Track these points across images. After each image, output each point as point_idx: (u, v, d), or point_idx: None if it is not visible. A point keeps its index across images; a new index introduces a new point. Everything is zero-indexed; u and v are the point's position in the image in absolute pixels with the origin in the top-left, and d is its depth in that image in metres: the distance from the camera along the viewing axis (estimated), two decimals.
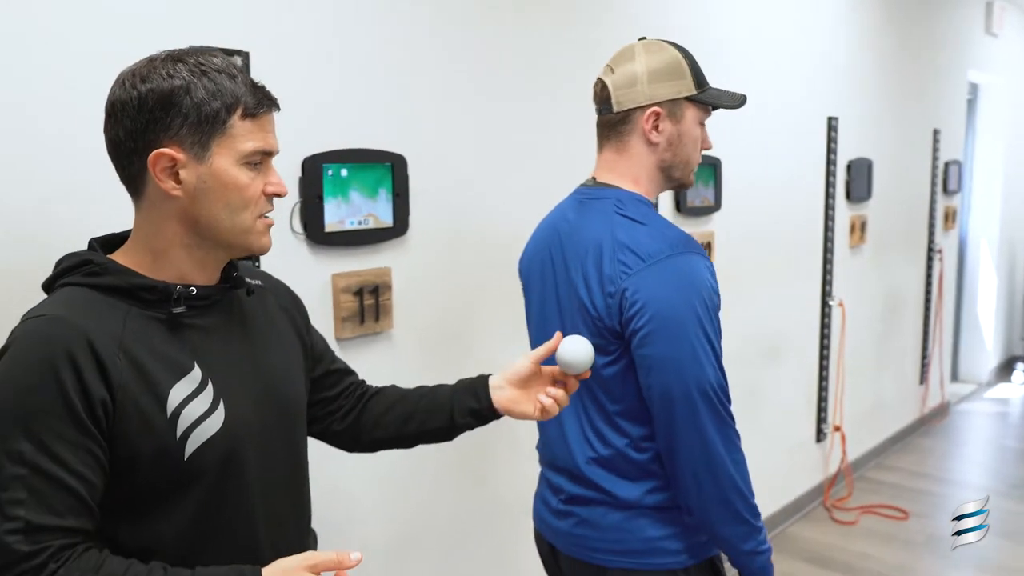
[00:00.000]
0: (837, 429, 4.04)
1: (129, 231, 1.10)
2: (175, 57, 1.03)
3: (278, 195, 1.09)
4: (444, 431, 1.33)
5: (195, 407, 1.03)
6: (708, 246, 3.07)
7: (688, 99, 1.46)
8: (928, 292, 5.08)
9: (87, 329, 0.97)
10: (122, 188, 1.07)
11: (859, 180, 4.08)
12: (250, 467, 1.08)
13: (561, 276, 1.49)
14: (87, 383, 0.96)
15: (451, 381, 1.36)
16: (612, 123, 1.48)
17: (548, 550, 1.60)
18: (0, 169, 1.39)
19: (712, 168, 3.07)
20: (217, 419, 1.04)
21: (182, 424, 1.01)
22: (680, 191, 1.64)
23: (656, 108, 1.44)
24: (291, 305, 1.26)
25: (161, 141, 1.01)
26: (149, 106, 1.00)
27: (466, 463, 2.26)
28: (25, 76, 1.41)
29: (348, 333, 1.93)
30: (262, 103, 1.05)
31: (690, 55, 1.49)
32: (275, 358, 1.17)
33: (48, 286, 1.07)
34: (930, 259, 5.05)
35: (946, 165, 5.12)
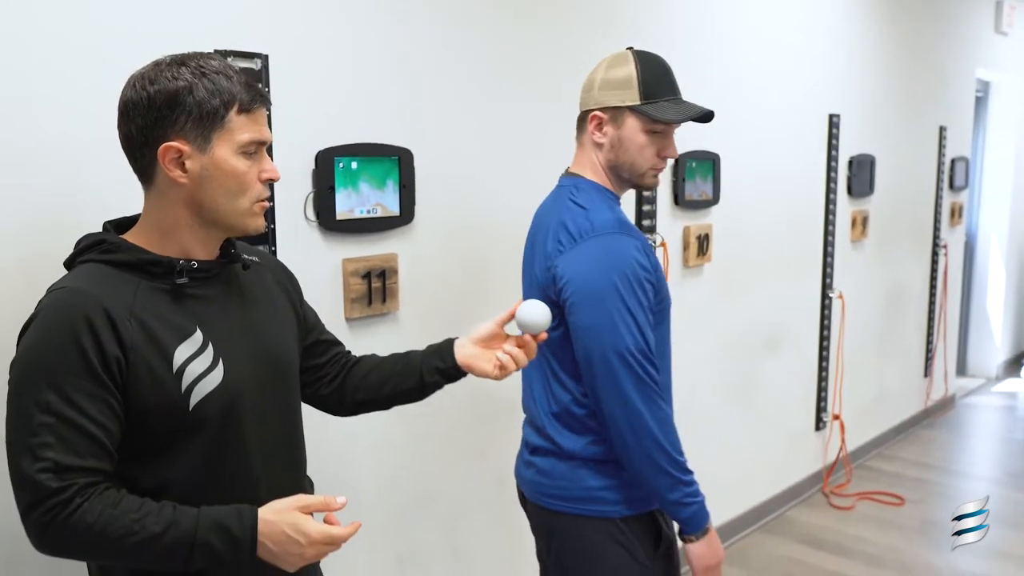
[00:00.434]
0: (836, 418, 4.15)
1: (138, 215, 1.25)
2: (179, 61, 1.17)
3: (272, 180, 1.24)
4: (416, 391, 1.49)
5: (197, 365, 1.18)
6: (705, 238, 3.20)
7: (631, 108, 1.61)
8: (933, 286, 5.17)
9: (103, 298, 1.12)
10: (130, 177, 1.22)
11: (861, 176, 4.19)
12: (247, 418, 1.23)
13: (530, 254, 1.71)
14: (104, 344, 1.10)
15: None
16: (577, 121, 1.70)
17: (521, 498, 1.80)
18: (23, 164, 1.53)
19: (711, 163, 3.19)
20: (217, 375, 1.19)
21: (186, 380, 1.16)
22: (647, 190, 1.77)
23: (599, 113, 1.63)
24: (286, 280, 1.43)
25: (169, 136, 1.15)
26: (157, 105, 1.14)
27: (467, 436, 2.41)
28: (48, 79, 1.58)
29: (357, 314, 2.09)
30: (255, 99, 1.20)
31: (655, 69, 1.63)
32: (269, 325, 1.32)
33: (69, 263, 1.23)
34: (935, 254, 5.13)
35: (952, 162, 5.19)
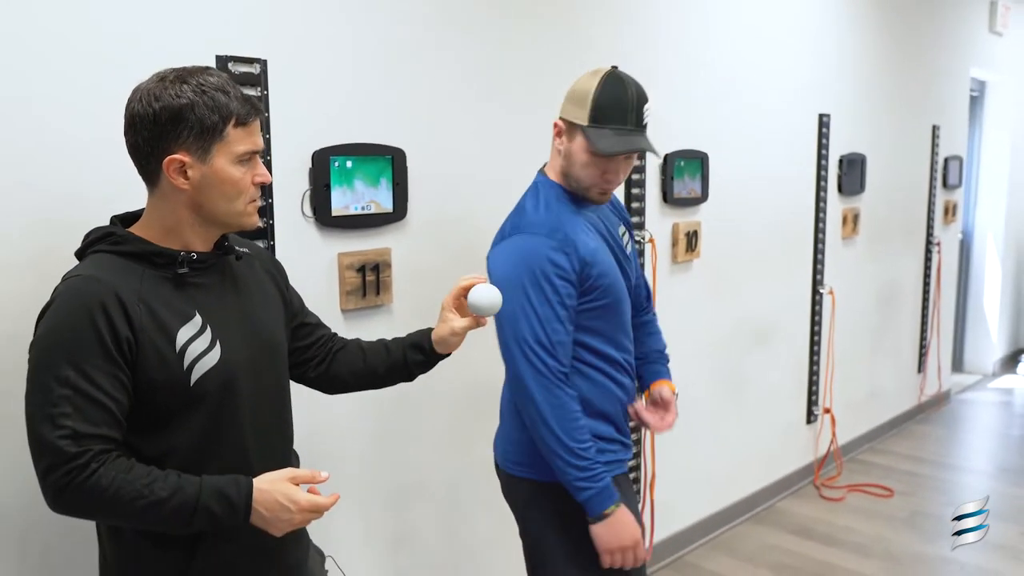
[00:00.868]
0: (827, 412, 4.24)
1: (141, 209, 1.38)
2: (181, 78, 1.28)
3: (264, 183, 1.38)
4: (401, 371, 1.65)
5: (197, 345, 1.31)
6: (694, 235, 3.29)
7: (581, 127, 1.70)
8: (927, 284, 5.24)
9: (114, 285, 1.25)
10: (127, 176, 1.36)
11: (852, 174, 4.27)
12: (242, 393, 1.36)
13: None
14: (116, 326, 1.23)
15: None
16: None
17: (496, 469, 1.94)
18: (33, 165, 1.64)
19: (699, 161, 3.28)
20: (215, 355, 1.32)
21: (187, 358, 1.29)
22: (595, 203, 1.81)
23: (559, 122, 1.74)
24: (273, 268, 1.56)
25: (172, 148, 1.28)
26: (163, 121, 1.26)
27: (460, 423, 2.52)
28: (69, 85, 1.69)
29: (352, 305, 2.20)
30: (250, 113, 1.33)
31: (613, 95, 1.67)
32: (260, 309, 1.45)
33: (80, 253, 1.35)
34: (928, 252, 5.21)
35: (946, 160, 5.27)
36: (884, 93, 4.56)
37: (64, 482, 1.19)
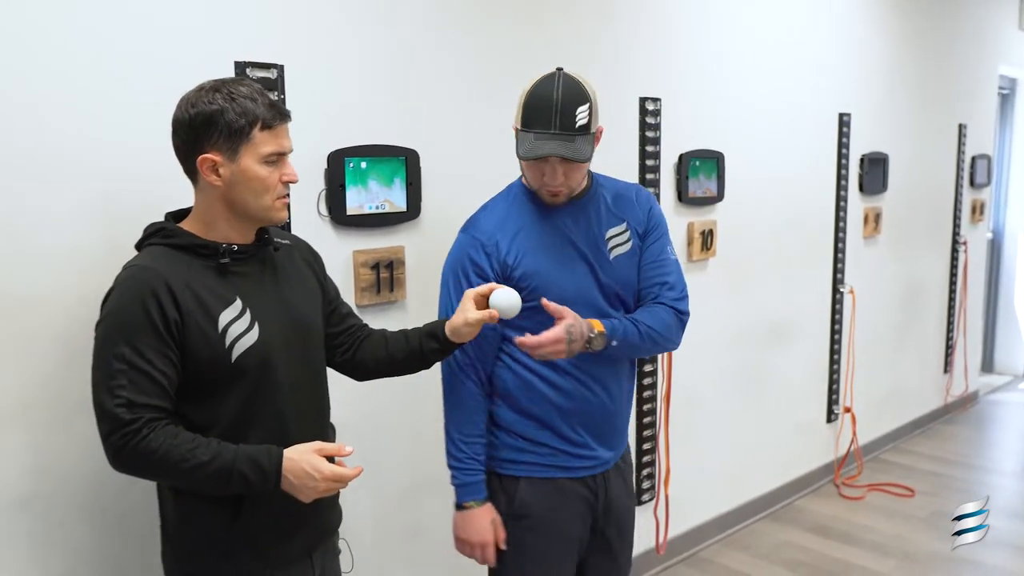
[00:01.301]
0: (848, 411, 4.23)
1: (191, 207, 1.54)
2: (215, 87, 1.45)
3: (291, 182, 1.54)
4: (418, 361, 1.77)
5: (238, 326, 1.46)
6: (710, 234, 3.32)
7: (516, 130, 1.73)
8: (953, 283, 5.20)
9: (165, 274, 1.42)
10: (172, 175, 1.48)
11: (873, 174, 4.27)
12: (279, 371, 1.51)
13: None
14: (165, 309, 1.40)
15: None
16: None
17: None
18: (80, 164, 1.76)
19: (715, 161, 3.31)
20: (253, 335, 1.48)
21: (229, 338, 1.45)
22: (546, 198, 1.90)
23: (514, 123, 1.75)
24: (312, 259, 1.72)
25: (205, 149, 1.44)
26: (196, 125, 1.44)
27: None
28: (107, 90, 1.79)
29: (366, 301, 2.27)
30: (276, 118, 1.48)
31: (536, 97, 1.67)
32: (296, 295, 1.61)
33: (139, 245, 1.52)
34: (955, 251, 5.16)
35: (973, 159, 5.22)
36: (908, 92, 4.54)
37: (120, 444, 1.36)
